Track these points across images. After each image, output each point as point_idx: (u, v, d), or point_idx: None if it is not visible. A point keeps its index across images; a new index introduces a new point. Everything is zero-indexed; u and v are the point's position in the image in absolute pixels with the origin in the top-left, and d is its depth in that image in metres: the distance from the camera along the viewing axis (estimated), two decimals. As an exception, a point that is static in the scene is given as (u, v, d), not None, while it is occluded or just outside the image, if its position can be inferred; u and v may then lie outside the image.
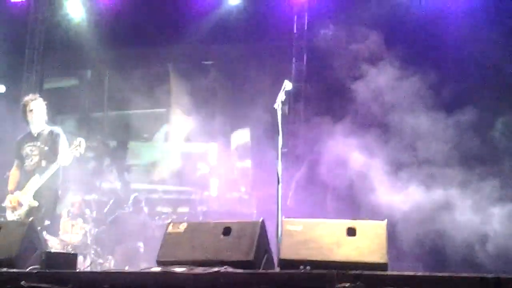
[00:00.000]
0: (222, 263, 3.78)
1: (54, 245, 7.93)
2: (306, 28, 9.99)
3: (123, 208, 10.16)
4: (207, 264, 3.76)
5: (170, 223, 4.22)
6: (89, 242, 9.16)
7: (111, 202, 10.19)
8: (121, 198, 10.21)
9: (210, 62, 10.82)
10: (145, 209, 10.11)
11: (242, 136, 10.37)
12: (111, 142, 11.06)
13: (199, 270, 3.69)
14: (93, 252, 9.13)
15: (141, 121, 10.76)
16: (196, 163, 10.20)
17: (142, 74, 10.44)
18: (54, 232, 7.39)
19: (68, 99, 11.02)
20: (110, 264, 9.12)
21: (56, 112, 9.10)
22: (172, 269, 3.75)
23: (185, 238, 4.02)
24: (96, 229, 9.63)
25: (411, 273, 3.46)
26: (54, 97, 10.35)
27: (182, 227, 4.09)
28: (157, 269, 3.91)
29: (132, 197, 10.08)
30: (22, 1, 10.81)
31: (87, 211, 9.57)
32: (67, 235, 9.12)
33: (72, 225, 9.41)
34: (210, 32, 10.13)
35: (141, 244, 9.63)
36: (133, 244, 9.62)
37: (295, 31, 10.04)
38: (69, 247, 8.73)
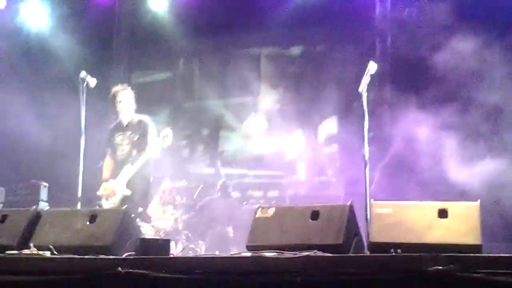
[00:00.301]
0: (311, 247, 3.78)
1: (147, 231, 8.16)
2: (389, 6, 9.78)
3: (212, 193, 10.33)
4: (296, 249, 3.78)
5: (258, 208, 4.25)
6: (180, 228, 9.38)
7: (200, 188, 10.36)
8: (209, 184, 10.38)
9: (297, 48, 10.80)
10: (234, 194, 10.24)
11: (329, 122, 10.33)
12: (204, 130, 11.23)
13: (289, 254, 3.71)
14: (184, 237, 9.34)
15: (231, 109, 10.88)
16: (285, 148, 10.22)
17: (230, 63, 10.54)
18: (146, 219, 7.58)
19: (160, 91, 11.28)
20: (201, 249, 9.30)
21: (149, 104, 9.35)
22: (262, 253, 3.78)
23: (274, 222, 4.05)
24: (187, 215, 9.85)
25: (507, 255, 3.36)
26: (146, 91, 10.69)
27: (271, 211, 4.11)
28: (247, 254, 3.96)
29: (219, 182, 10.22)
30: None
31: (178, 197, 9.78)
32: (158, 221, 9.37)
33: (164, 212, 9.66)
34: (295, 16, 10.08)
35: (230, 229, 9.76)
36: (222, 229, 9.76)
37: (377, 10, 9.86)
38: (161, 233, 8.96)
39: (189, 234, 9.53)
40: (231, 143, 11.18)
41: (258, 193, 10.49)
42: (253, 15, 10.31)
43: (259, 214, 4.16)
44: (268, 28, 10.35)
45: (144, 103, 7.31)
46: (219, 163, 10.30)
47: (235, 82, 10.23)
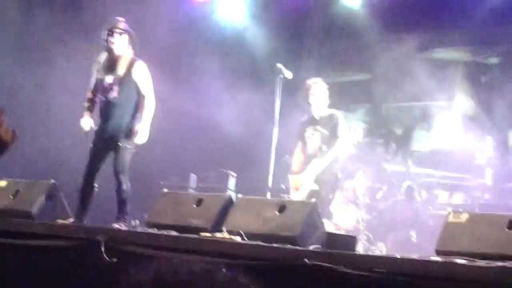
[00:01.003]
0: (506, 258, 3.60)
1: (328, 228, 8.21)
2: None
3: (396, 195, 10.15)
4: (489, 258, 3.62)
5: (450, 212, 4.13)
6: (361, 228, 9.33)
7: (384, 188, 10.24)
8: (394, 186, 10.22)
9: (495, 56, 10.37)
10: (418, 198, 9.99)
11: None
12: (397, 130, 11.16)
13: (482, 263, 3.56)
14: (365, 238, 9.28)
15: (426, 112, 10.71)
16: (474, 152, 9.82)
17: (425, 63, 10.32)
18: (328, 215, 7.60)
19: (356, 91, 11.36)
20: (382, 251, 9.19)
21: (345, 101, 9.43)
22: (452, 259, 3.67)
23: (467, 229, 3.91)
24: (368, 216, 9.77)
25: None
26: (347, 89, 10.80)
27: (464, 217, 3.97)
28: (437, 258, 3.86)
29: (405, 185, 10.03)
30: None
31: (361, 196, 9.74)
32: (340, 219, 9.39)
33: (345, 210, 9.67)
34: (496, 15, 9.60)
35: (413, 234, 9.53)
36: (405, 232, 9.57)
37: None
38: (341, 231, 8.97)
39: (370, 235, 9.45)
40: (422, 144, 11.00)
41: (443, 194, 10.16)
42: (450, 12, 9.98)
43: (451, 219, 4.03)
44: (465, 28, 9.97)
45: (340, 100, 7.25)
46: (410, 162, 10.13)
47: (431, 84, 9.98)
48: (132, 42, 6.27)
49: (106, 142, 6.21)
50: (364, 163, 9.53)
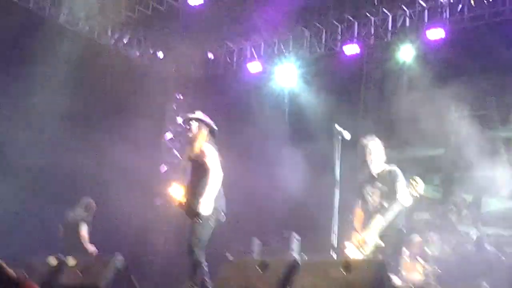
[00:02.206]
0: None
1: (396, 283, 8.05)
2: None
3: (466, 247, 9.95)
4: None
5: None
6: (432, 282, 9.13)
7: (453, 242, 10.07)
8: (465, 238, 10.07)
9: None
10: (489, 248, 9.75)
11: None
12: (469, 197, 11.30)
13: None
14: (436, 292, 9.07)
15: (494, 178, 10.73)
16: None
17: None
18: (395, 271, 7.46)
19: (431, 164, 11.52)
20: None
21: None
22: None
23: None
24: (438, 269, 9.56)
25: None
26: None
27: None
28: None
29: (475, 236, 9.85)
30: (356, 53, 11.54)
31: (428, 250, 9.57)
32: (409, 274, 9.22)
33: (414, 265, 9.49)
34: None
35: (485, 284, 9.27)
36: (477, 283, 9.31)
37: None
38: (411, 286, 8.79)
39: (441, 288, 9.24)
40: (491, 206, 11.12)
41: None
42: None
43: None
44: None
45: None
46: (480, 223, 10.13)
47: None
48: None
49: None
50: (438, 228, 9.58)
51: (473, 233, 9.96)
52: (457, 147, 10.83)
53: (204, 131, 6.81)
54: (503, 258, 9.65)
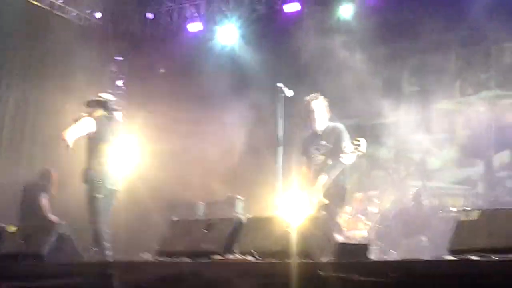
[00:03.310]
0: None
1: (338, 240, 8.17)
2: None
3: (405, 202, 10.18)
4: (505, 252, 3.61)
5: (461, 211, 4.12)
6: (373, 237, 9.32)
7: (392, 197, 10.29)
8: (402, 193, 10.27)
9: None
10: (427, 203, 10.02)
11: None
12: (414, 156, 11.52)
13: (496, 258, 3.55)
14: (377, 248, 9.27)
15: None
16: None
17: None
18: (338, 229, 7.57)
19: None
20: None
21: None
22: (467, 257, 3.66)
23: (479, 225, 3.90)
24: (379, 225, 9.76)
25: None
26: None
27: (475, 214, 3.96)
28: (451, 257, 3.84)
29: (413, 191, 10.06)
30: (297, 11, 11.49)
31: (370, 207, 9.75)
32: (351, 232, 9.39)
33: (355, 222, 9.67)
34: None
35: (424, 239, 9.52)
36: (416, 238, 9.55)
37: None
38: (353, 242, 8.95)
39: (382, 245, 9.45)
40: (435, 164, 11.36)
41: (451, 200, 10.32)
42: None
43: (463, 217, 4.01)
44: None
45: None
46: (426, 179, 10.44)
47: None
48: None
49: None
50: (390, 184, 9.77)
51: (416, 187, 10.23)
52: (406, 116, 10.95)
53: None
54: (440, 211, 9.93)
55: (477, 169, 10.81)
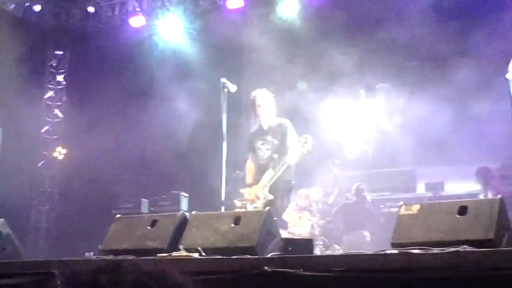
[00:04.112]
0: (459, 242, 3.68)
1: (282, 235, 8.22)
2: None
3: (347, 198, 10.31)
4: (443, 245, 3.69)
5: (402, 205, 4.19)
6: (317, 233, 9.41)
7: (335, 192, 10.40)
8: (344, 189, 10.38)
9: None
10: (368, 198, 10.17)
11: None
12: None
13: (435, 250, 3.64)
14: (321, 243, 9.37)
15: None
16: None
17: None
18: (282, 225, 7.62)
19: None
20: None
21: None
22: (408, 250, 3.73)
23: (419, 219, 3.98)
24: (323, 221, 9.87)
25: None
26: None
27: (415, 208, 4.05)
28: (393, 251, 3.92)
29: (354, 186, 10.20)
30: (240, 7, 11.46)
31: (314, 203, 9.83)
32: (295, 228, 9.46)
33: (300, 217, 9.74)
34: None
35: (367, 233, 9.69)
36: (359, 233, 9.71)
37: None
38: (297, 237, 9.02)
39: (326, 240, 9.56)
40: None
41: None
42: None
43: (403, 211, 4.10)
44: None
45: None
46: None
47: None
48: None
49: None
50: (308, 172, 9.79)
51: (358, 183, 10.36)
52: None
53: None
54: (382, 206, 10.10)
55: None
